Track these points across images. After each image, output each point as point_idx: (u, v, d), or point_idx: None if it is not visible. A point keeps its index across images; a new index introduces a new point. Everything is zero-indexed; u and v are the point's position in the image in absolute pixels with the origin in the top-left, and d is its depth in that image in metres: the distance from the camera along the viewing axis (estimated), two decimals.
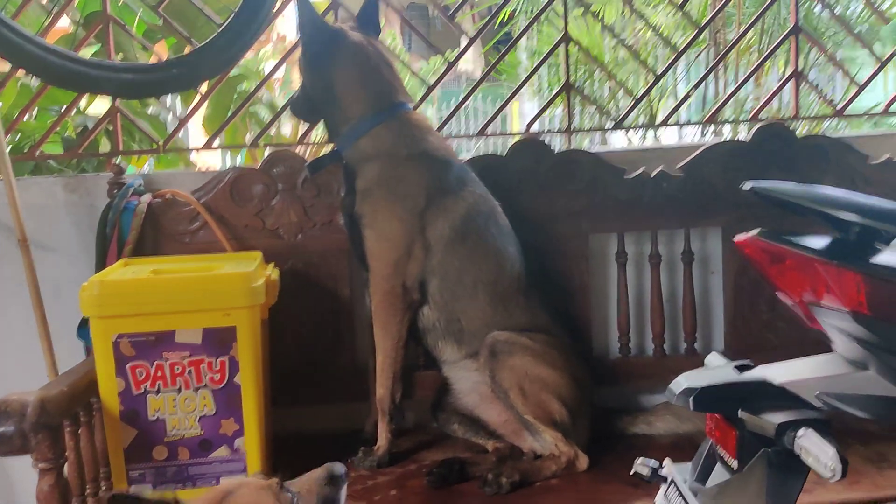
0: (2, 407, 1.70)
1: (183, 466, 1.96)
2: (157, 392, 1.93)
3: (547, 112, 3.15)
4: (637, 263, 2.55)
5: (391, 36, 11.11)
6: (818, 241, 1.23)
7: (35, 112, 3.03)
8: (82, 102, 2.91)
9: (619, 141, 5.09)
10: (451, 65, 2.71)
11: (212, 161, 4.20)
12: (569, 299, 2.47)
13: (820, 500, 1.86)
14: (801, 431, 1.15)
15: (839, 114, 2.76)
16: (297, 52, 2.31)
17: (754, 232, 1.30)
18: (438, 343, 2.25)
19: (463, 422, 2.32)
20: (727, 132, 4.16)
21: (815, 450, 1.11)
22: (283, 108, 2.64)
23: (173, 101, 3.26)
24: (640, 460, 1.41)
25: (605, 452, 2.19)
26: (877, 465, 2.04)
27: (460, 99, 2.72)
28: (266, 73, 2.95)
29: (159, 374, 1.93)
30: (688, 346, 2.52)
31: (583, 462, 2.12)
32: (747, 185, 1.30)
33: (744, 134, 3.30)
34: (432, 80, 2.65)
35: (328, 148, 2.34)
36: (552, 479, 2.08)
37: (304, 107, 2.30)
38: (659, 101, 4.94)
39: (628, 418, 2.37)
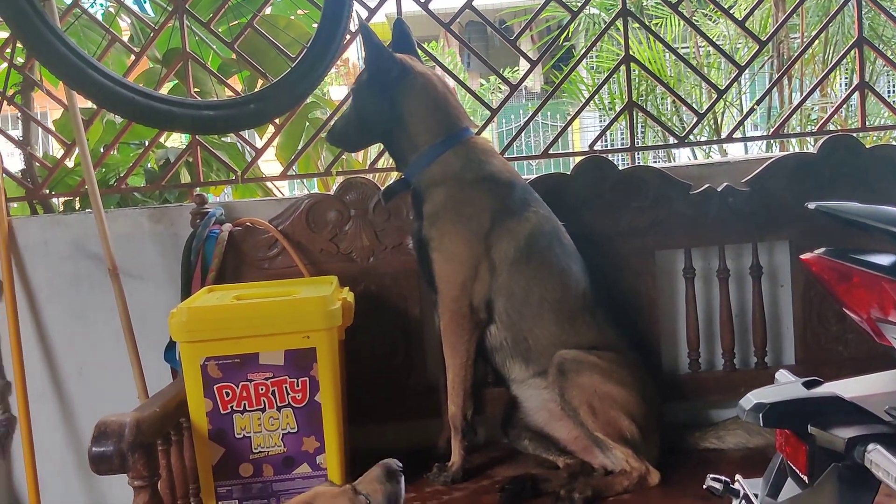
0: (101, 428, 1.80)
1: (267, 483, 2.05)
2: (243, 412, 2.03)
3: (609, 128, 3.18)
4: (705, 278, 2.56)
5: (450, 55, 11.26)
6: (884, 259, 1.25)
7: (117, 147, 3.19)
8: (163, 136, 3.06)
9: (684, 155, 5.07)
10: (514, 89, 2.77)
11: (283, 187, 4.34)
12: (637, 315, 2.50)
13: None
14: (870, 446, 1.16)
15: None
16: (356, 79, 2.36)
17: (820, 250, 1.32)
18: (507, 362, 2.29)
19: (533, 438, 2.36)
20: (793, 144, 4.11)
21: (886, 464, 1.12)
22: None
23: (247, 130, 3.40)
24: (711, 476, 1.44)
25: (677, 467, 2.20)
26: None
27: (520, 117, 2.78)
28: (331, 98, 3.05)
29: (244, 394, 2.02)
30: (758, 361, 2.51)
31: (654, 477, 2.14)
32: (812, 205, 1.32)
33: (811, 145, 3.28)
34: (491, 97, 2.71)
35: (396, 174, 2.42)
36: (624, 494, 2.10)
37: (354, 133, 2.33)
38: (723, 114, 4.91)
39: (699, 433, 2.38)
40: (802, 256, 1.34)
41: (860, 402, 1.24)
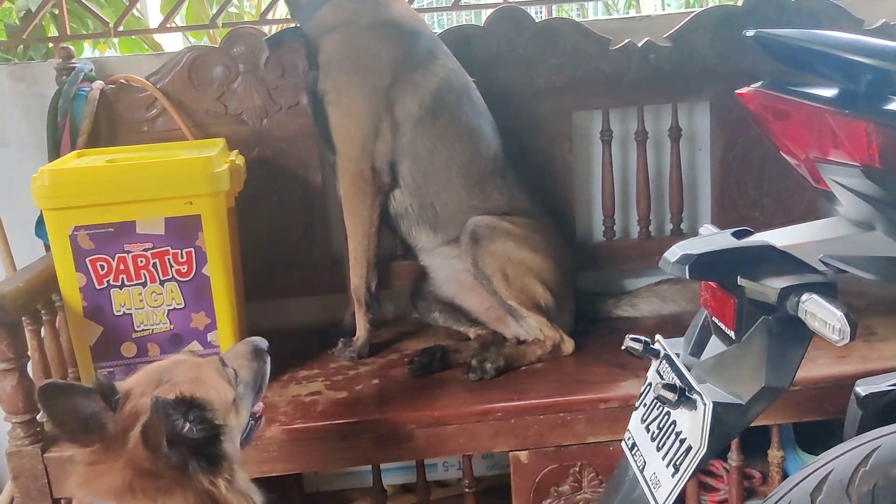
0: None
1: (153, 363, 1.88)
2: (122, 286, 1.83)
3: None
4: (622, 142, 2.44)
5: None
6: (828, 91, 1.12)
7: None
8: None
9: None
10: None
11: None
12: (551, 181, 2.38)
13: (809, 375, 1.82)
14: (805, 296, 1.07)
15: None
16: None
17: (757, 84, 1.19)
18: (412, 230, 2.15)
19: (444, 310, 2.26)
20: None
21: (823, 313, 1.03)
22: None
23: None
24: (630, 336, 1.33)
25: (590, 336, 2.16)
26: (865, 340, 2.01)
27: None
28: None
29: (122, 267, 1.82)
30: (674, 227, 2.44)
31: (568, 346, 2.08)
32: (750, 32, 1.18)
33: None
34: None
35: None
36: (537, 363, 2.04)
37: None
38: None
39: (612, 301, 2.32)
40: (738, 91, 1.20)
41: (793, 250, 1.13)
